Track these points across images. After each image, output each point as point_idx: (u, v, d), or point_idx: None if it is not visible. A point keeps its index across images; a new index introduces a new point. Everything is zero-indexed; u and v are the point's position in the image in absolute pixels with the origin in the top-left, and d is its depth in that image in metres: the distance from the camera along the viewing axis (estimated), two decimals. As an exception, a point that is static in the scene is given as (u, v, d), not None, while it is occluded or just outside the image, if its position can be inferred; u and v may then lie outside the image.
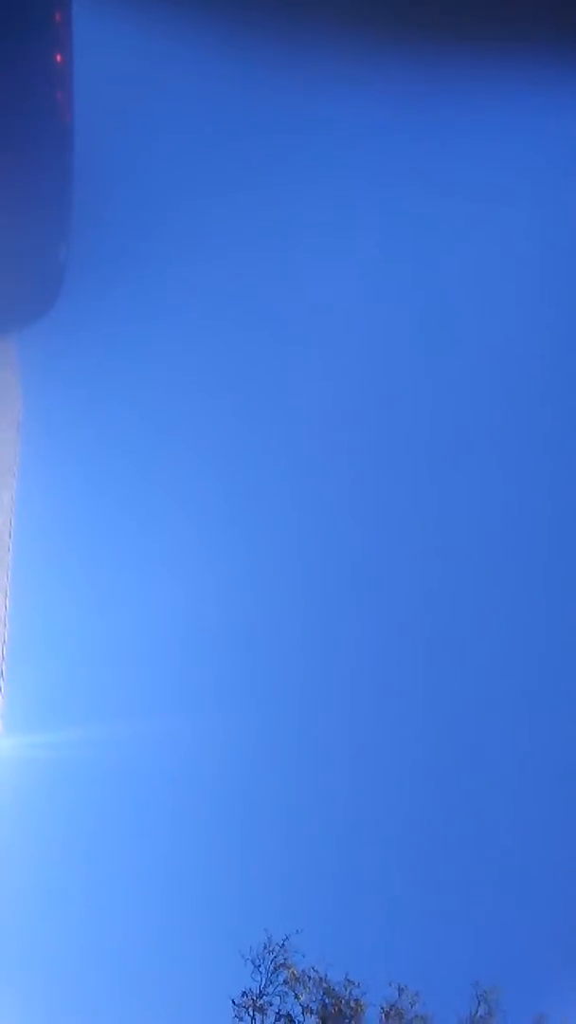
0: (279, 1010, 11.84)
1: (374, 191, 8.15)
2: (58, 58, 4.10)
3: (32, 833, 11.85)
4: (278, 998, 11.88)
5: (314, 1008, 11.88)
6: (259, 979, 11.88)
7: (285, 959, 11.96)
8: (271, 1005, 11.84)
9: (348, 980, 11.93)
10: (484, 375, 11.09)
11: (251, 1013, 11.76)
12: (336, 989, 11.94)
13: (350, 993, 11.90)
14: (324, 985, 11.94)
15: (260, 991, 11.86)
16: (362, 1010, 11.88)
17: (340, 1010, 11.83)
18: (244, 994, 11.81)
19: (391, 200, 8.57)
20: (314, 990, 11.95)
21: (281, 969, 11.93)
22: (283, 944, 11.92)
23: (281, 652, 12.53)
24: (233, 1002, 11.75)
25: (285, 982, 11.89)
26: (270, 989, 11.90)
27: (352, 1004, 11.85)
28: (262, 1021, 11.79)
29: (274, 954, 11.95)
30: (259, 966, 11.92)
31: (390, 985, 11.88)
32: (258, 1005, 11.79)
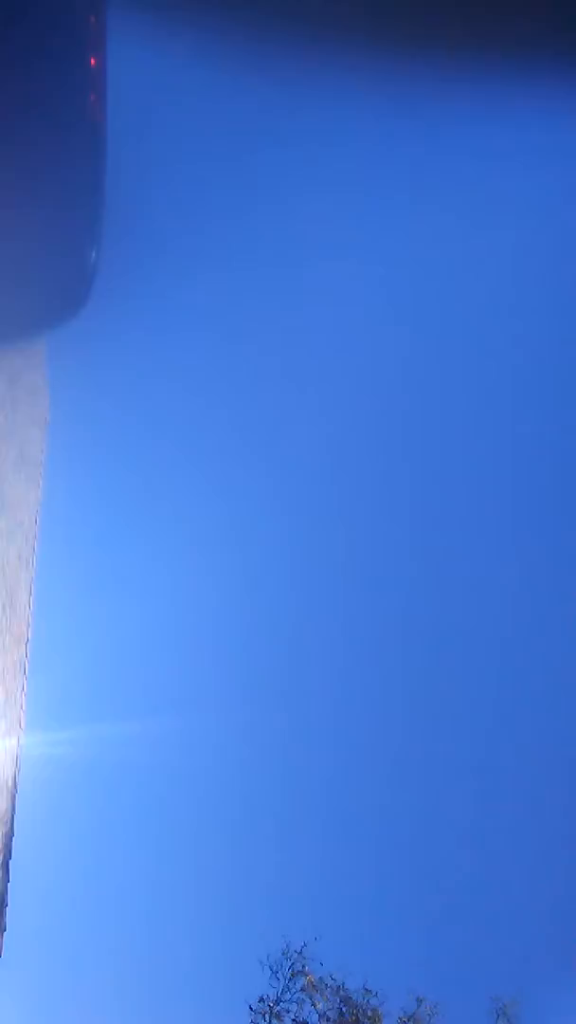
0: (296, 1017, 11.79)
1: (391, 202, 8.07)
2: (92, 61, 3.98)
3: (53, 829, 11.85)
4: (295, 1005, 11.84)
5: (331, 1016, 11.81)
6: (277, 985, 11.84)
7: (303, 966, 11.90)
8: (288, 1012, 11.79)
9: (366, 989, 11.85)
10: (485, 383, 11.02)
11: (267, 1019, 11.72)
12: (354, 997, 11.87)
13: (368, 1002, 11.82)
14: (342, 993, 11.87)
15: (277, 997, 11.81)
16: (379, 1019, 11.79)
17: (357, 1019, 11.75)
18: (261, 1000, 11.77)
19: (409, 212, 8.50)
20: (331, 998, 11.88)
21: (299, 976, 11.87)
22: (301, 951, 11.87)
23: (305, 651, 12.45)
24: (250, 1007, 11.72)
25: (302, 989, 11.84)
26: (287, 996, 11.85)
27: (370, 1013, 11.76)
28: (279, 1027, 11.75)
29: (292, 961, 11.90)
30: (277, 972, 11.88)
31: (409, 995, 11.80)
32: (275, 1011, 11.74)
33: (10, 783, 9.52)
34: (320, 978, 11.88)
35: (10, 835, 9.57)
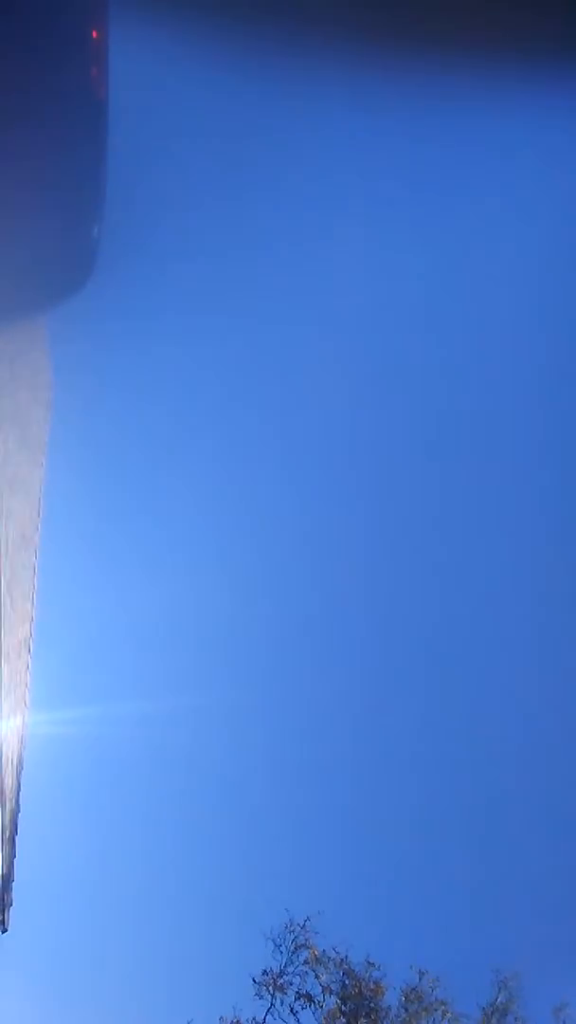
0: (299, 989, 11.91)
1: (388, 194, 8.06)
2: (94, 34, 3.96)
3: (56, 805, 11.95)
4: (298, 977, 11.96)
5: (334, 988, 11.94)
6: (280, 959, 11.96)
7: (306, 939, 12.02)
8: (291, 984, 11.91)
9: (368, 962, 11.97)
10: (484, 376, 11.04)
11: (271, 991, 11.85)
12: (356, 970, 11.99)
13: (370, 975, 11.95)
14: (344, 966, 11.99)
15: (281, 970, 11.94)
16: (382, 992, 11.91)
17: (360, 991, 11.87)
18: (265, 972, 11.89)
19: (409, 205, 8.49)
20: (334, 971, 12.00)
21: (302, 949, 11.99)
22: (304, 925, 11.98)
23: (301, 635, 12.50)
24: (254, 980, 11.85)
25: (306, 962, 11.95)
26: (290, 969, 11.97)
27: (372, 986, 11.88)
28: (282, 1000, 11.87)
29: (295, 934, 12.02)
30: (280, 946, 11.99)
31: (411, 968, 11.91)
32: (278, 984, 11.86)
33: (16, 761, 9.59)
34: (323, 951, 12.00)
35: (16, 811, 9.66)
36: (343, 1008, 11.87)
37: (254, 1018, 11.75)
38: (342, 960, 11.94)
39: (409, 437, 11.61)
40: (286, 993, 11.83)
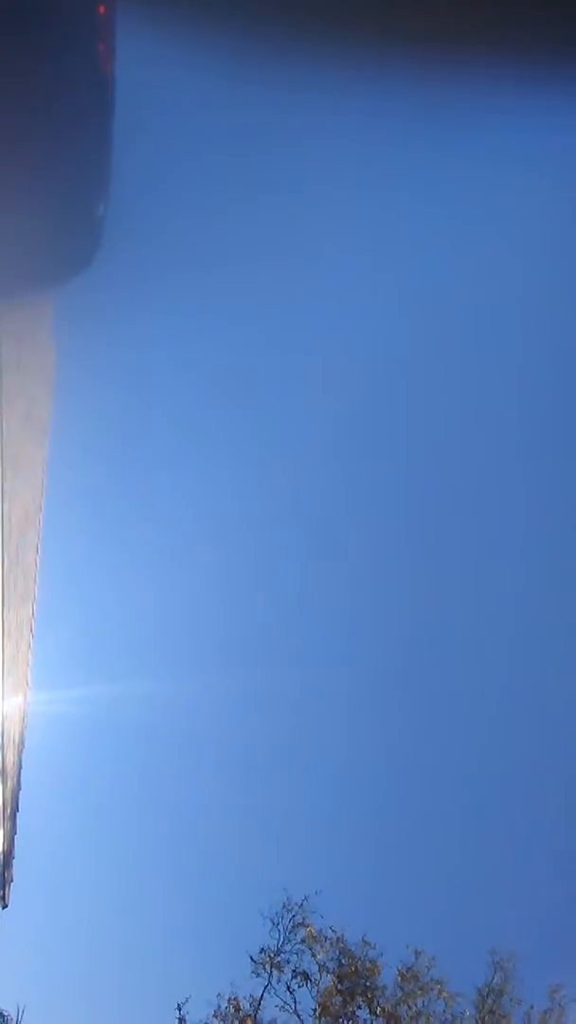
0: (296, 967, 12.03)
1: (390, 193, 8.03)
2: (101, 9, 3.90)
3: (57, 784, 12.03)
4: (295, 956, 12.06)
5: (330, 967, 12.05)
6: (277, 937, 12.07)
7: (303, 918, 12.12)
8: (288, 962, 12.03)
9: (365, 941, 12.07)
10: (483, 384, 11.03)
11: (268, 969, 11.96)
12: (353, 949, 12.09)
13: (366, 954, 12.05)
14: (341, 945, 12.09)
15: (278, 948, 12.05)
16: (378, 971, 12.01)
17: (356, 970, 11.97)
18: (262, 950, 12.01)
19: (410, 207, 8.45)
20: (331, 949, 12.10)
21: (299, 928, 12.09)
22: (302, 904, 12.08)
23: (301, 616, 12.53)
24: (251, 958, 11.96)
25: (303, 941, 12.06)
26: (288, 947, 12.08)
27: (368, 965, 11.98)
28: (279, 977, 11.99)
29: (292, 913, 12.11)
30: (277, 924, 12.10)
31: (407, 948, 12.01)
32: (275, 962, 11.97)
33: (17, 739, 9.63)
34: (320, 930, 12.10)
35: (17, 789, 9.72)
36: (340, 986, 11.98)
37: (251, 995, 11.89)
38: (339, 939, 12.05)
39: (410, 437, 11.60)
40: (283, 971, 11.95)
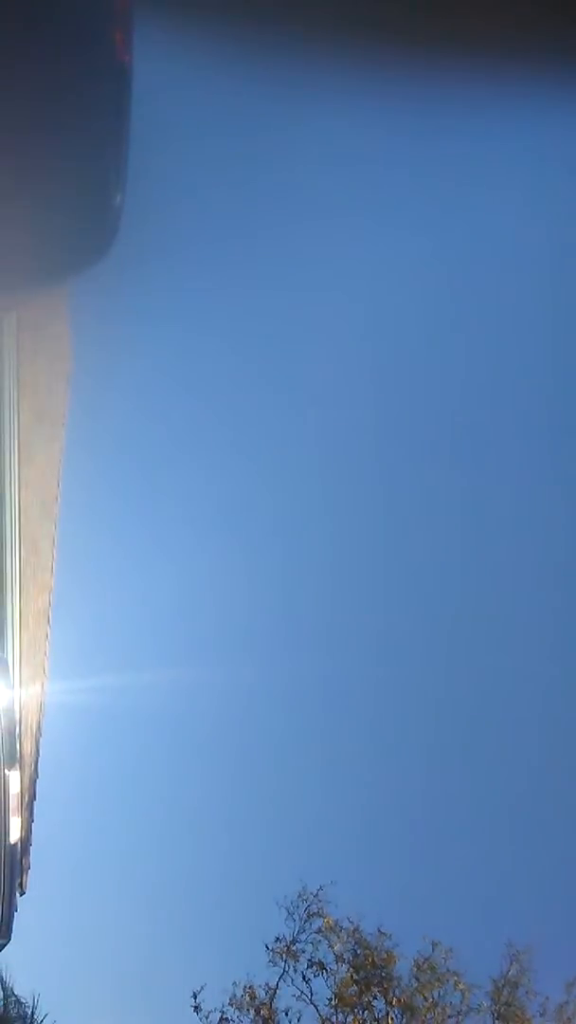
0: (312, 957, 12.05)
1: (392, 193, 7.97)
2: (119, -4, 3.84)
3: (74, 772, 12.08)
4: (311, 945, 12.09)
5: (346, 957, 12.06)
6: (293, 926, 12.09)
7: (319, 908, 12.13)
8: (304, 952, 12.05)
9: (381, 931, 12.07)
10: (488, 381, 10.96)
11: (284, 958, 11.99)
12: (369, 940, 12.10)
13: (382, 944, 12.05)
14: (357, 935, 12.10)
15: (294, 938, 12.07)
16: (394, 961, 12.01)
17: (372, 960, 11.98)
18: (278, 940, 12.04)
19: (412, 209, 8.40)
20: (347, 939, 12.11)
21: (315, 918, 12.11)
22: (317, 894, 12.09)
23: (316, 607, 12.50)
24: (267, 947, 11.99)
25: (319, 931, 12.07)
26: (303, 936, 12.10)
27: (384, 955, 11.99)
28: (295, 967, 12.01)
29: (308, 903, 12.13)
30: (293, 914, 12.12)
31: (424, 939, 12.00)
32: (291, 951, 12.00)
33: (35, 728, 9.67)
34: (336, 920, 12.11)
35: (35, 778, 9.76)
36: (355, 976, 12.00)
37: (267, 984, 11.93)
38: (355, 929, 12.06)
39: (411, 438, 11.56)
40: (299, 960, 11.98)
